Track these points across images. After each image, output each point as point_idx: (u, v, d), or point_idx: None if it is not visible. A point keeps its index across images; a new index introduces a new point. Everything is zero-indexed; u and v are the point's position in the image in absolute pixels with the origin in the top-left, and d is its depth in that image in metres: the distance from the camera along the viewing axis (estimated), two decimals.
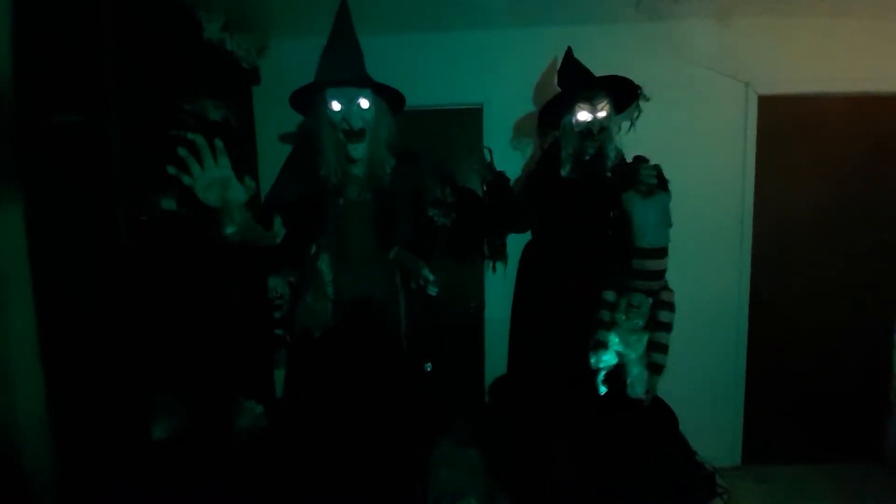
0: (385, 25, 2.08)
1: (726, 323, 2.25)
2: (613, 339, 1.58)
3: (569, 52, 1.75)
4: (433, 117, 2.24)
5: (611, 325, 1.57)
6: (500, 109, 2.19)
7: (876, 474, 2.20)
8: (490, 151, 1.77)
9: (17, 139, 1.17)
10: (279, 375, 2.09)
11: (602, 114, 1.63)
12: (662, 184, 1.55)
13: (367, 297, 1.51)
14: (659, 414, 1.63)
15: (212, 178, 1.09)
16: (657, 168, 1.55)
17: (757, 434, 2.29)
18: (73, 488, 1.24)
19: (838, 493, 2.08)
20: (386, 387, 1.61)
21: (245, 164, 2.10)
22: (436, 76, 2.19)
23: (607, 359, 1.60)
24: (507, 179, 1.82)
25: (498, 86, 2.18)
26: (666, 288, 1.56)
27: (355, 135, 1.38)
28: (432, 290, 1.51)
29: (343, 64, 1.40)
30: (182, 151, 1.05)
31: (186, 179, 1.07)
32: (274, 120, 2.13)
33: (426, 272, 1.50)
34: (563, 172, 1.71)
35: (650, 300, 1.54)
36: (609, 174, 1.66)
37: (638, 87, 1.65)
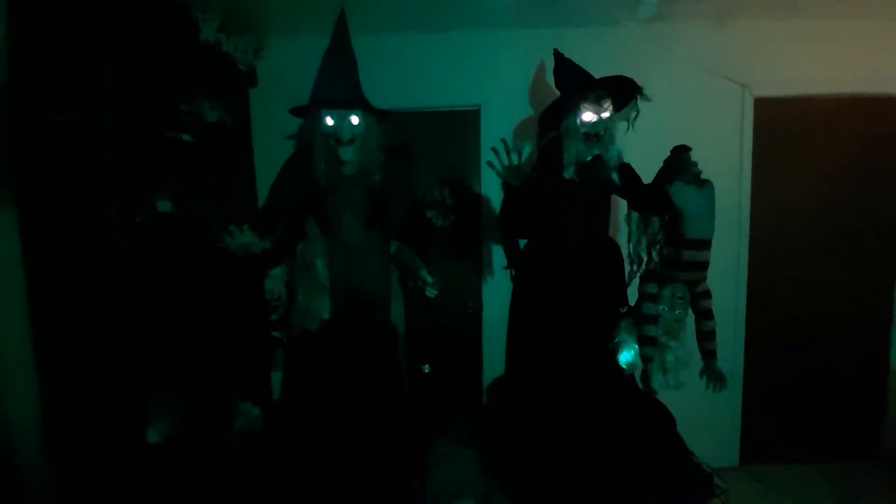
0: (383, 25, 2.08)
1: (723, 323, 2.21)
2: (659, 333, 1.59)
3: (558, 54, 1.74)
4: (431, 119, 2.23)
5: (657, 319, 1.57)
6: (498, 111, 2.19)
7: (872, 473, 2.21)
8: (519, 154, 1.62)
9: (13, 138, 1.16)
10: (276, 377, 2.08)
11: (606, 114, 1.63)
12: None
13: (360, 286, 1.58)
14: (656, 415, 1.63)
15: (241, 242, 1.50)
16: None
17: (755, 434, 2.30)
18: (68, 489, 1.23)
19: (835, 492, 2.09)
20: (382, 386, 1.62)
21: (241, 165, 2.09)
22: (433, 77, 2.19)
23: (633, 355, 1.60)
24: (535, 184, 1.72)
25: (496, 87, 2.18)
26: (704, 278, 1.58)
27: (345, 144, 1.53)
28: (431, 292, 1.53)
29: (338, 82, 1.54)
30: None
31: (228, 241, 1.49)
32: (270, 121, 2.12)
33: (425, 273, 1.52)
34: (567, 174, 1.69)
35: (689, 291, 1.55)
36: (614, 175, 1.67)
37: (639, 88, 1.65)
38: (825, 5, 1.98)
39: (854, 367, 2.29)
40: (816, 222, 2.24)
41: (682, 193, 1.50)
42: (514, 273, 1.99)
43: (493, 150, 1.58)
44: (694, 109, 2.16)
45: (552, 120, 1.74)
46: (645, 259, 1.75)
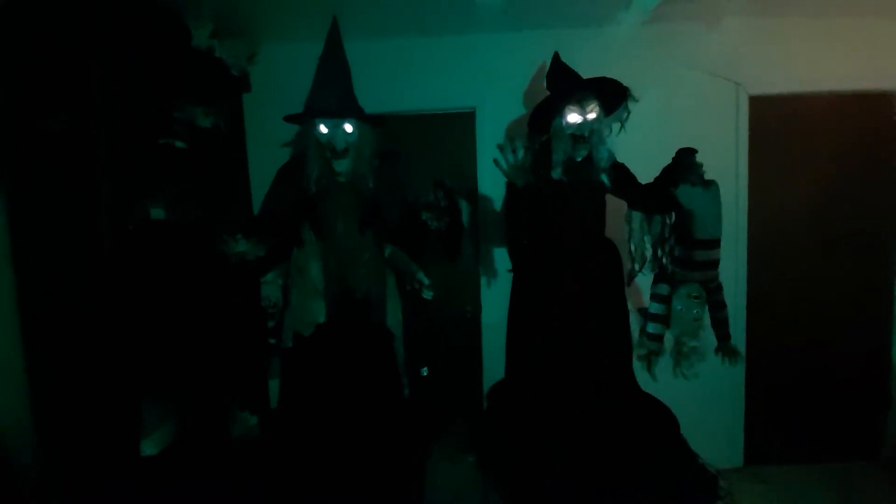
0: (378, 30, 2.07)
1: None
2: (673, 332, 1.64)
3: (556, 57, 1.74)
4: (426, 122, 2.23)
5: (666, 319, 1.62)
6: (493, 113, 2.18)
7: (875, 474, 2.19)
8: (525, 153, 1.56)
9: (3, 144, 1.15)
10: (273, 385, 2.06)
11: (592, 115, 1.62)
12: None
13: (355, 289, 1.58)
14: (659, 417, 1.61)
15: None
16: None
17: (758, 435, 2.28)
18: (59, 493, 1.20)
19: (839, 493, 2.07)
20: (380, 391, 1.61)
21: (235, 171, 2.08)
22: (428, 80, 2.18)
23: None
24: (537, 187, 1.70)
25: (490, 90, 2.17)
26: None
27: (339, 154, 1.53)
28: (427, 295, 1.52)
29: (332, 91, 1.54)
30: None
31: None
32: (265, 127, 2.11)
33: (421, 276, 1.52)
34: (555, 175, 1.70)
35: (704, 289, 1.59)
36: (603, 176, 1.66)
37: (626, 89, 1.65)
38: (819, 3, 1.99)
39: (855, 366, 2.27)
40: (814, 220, 2.23)
41: (689, 195, 1.53)
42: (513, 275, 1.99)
43: (500, 147, 1.54)
44: (689, 108, 2.16)
45: (541, 121, 1.74)
46: (649, 258, 1.75)
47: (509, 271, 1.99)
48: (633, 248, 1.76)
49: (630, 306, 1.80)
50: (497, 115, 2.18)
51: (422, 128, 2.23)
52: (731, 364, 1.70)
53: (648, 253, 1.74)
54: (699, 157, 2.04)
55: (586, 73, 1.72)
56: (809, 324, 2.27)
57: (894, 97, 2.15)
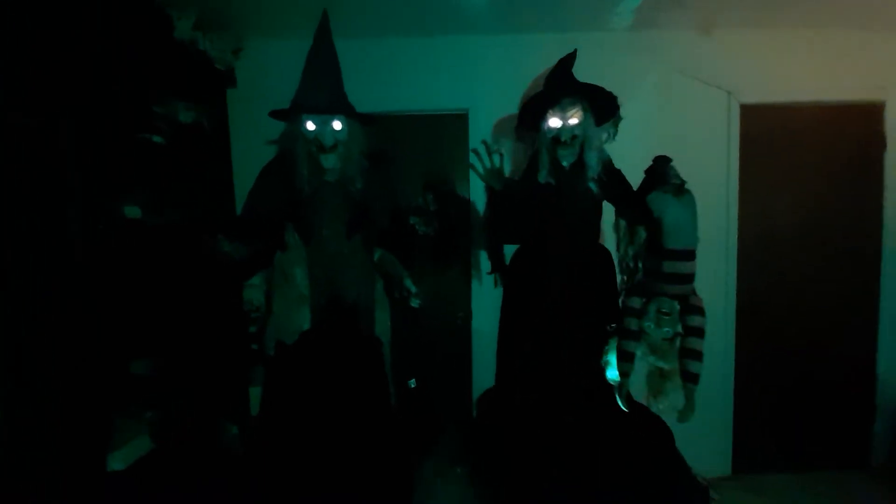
0: (369, 29, 2.03)
1: (713, 331, 2.22)
2: (642, 349, 1.50)
3: (566, 58, 1.70)
4: (417, 123, 2.18)
5: (639, 335, 1.49)
6: (486, 115, 2.15)
7: (862, 481, 2.20)
8: (502, 157, 1.65)
9: None
10: (255, 392, 1.98)
11: (573, 121, 1.59)
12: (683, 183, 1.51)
13: (342, 296, 1.52)
14: (655, 430, 1.58)
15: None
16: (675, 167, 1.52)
17: (747, 444, 2.28)
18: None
19: (828, 500, 2.08)
20: (367, 401, 1.55)
21: (218, 169, 2.00)
22: (420, 81, 2.14)
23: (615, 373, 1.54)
24: (514, 188, 1.72)
25: (483, 91, 2.14)
26: (694, 292, 1.49)
27: (327, 149, 1.47)
28: (415, 303, 1.48)
29: (320, 87, 1.47)
30: None
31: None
32: (250, 124, 2.04)
33: (409, 283, 1.47)
34: (540, 178, 1.67)
35: (678, 306, 1.47)
36: (591, 184, 1.63)
37: (613, 97, 1.62)
38: (809, 15, 2.01)
39: (843, 375, 2.29)
40: (803, 229, 2.25)
41: (660, 203, 1.46)
42: (498, 278, 1.96)
43: (475, 151, 1.56)
44: (680, 116, 2.16)
45: (529, 120, 1.71)
46: (631, 269, 1.71)
47: (489, 273, 1.96)
48: (619, 258, 1.74)
49: None
50: (490, 117, 2.15)
51: (413, 129, 2.18)
52: (680, 420, 1.50)
53: (632, 264, 1.69)
54: (688, 162, 2.04)
55: (578, 77, 1.70)
56: (798, 332, 2.28)
57: (882, 108, 2.18)
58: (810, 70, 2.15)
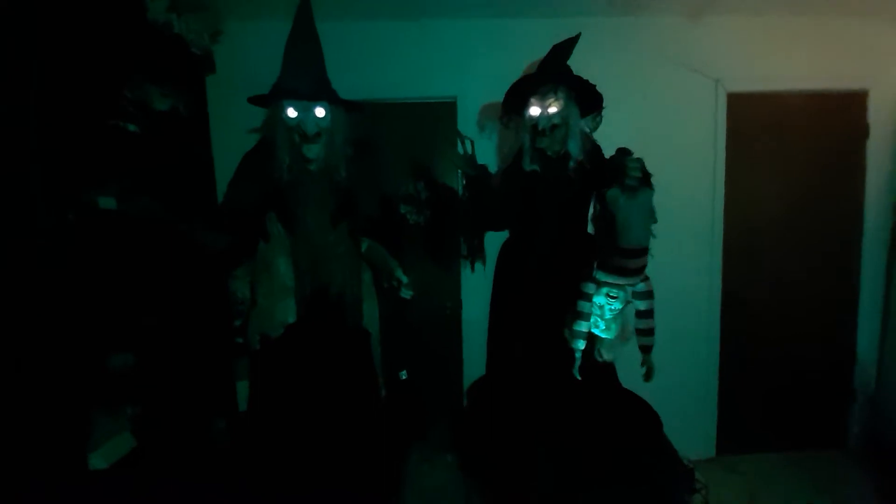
0: (353, 12, 1.96)
1: (698, 318, 2.28)
2: (592, 325, 1.58)
3: (561, 44, 1.67)
4: (404, 111, 2.13)
5: (589, 317, 1.56)
6: (475, 103, 2.11)
7: (841, 460, 2.28)
8: (472, 143, 1.67)
9: None
10: (241, 387, 1.94)
11: (552, 110, 1.58)
12: (646, 178, 1.51)
13: (328, 287, 1.48)
14: (643, 416, 1.60)
15: None
16: (640, 161, 1.51)
17: (730, 426, 2.33)
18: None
19: (808, 480, 2.15)
20: (356, 394, 1.54)
21: (197, 158, 1.93)
22: (407, 67, 2.09)
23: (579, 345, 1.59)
24: (490, 174, 1.75)
25: (472, 78, 2.10)
26: (645, 278, 1.56)
27: (310, 139, 1.42)
28: (406, 294, 1.45)
29: (302, 72, 1.41)
30: None
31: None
32: (230, 111, 1.96)
33: (399, 273, 1.44)
34: (524, 165, 1.67)
35: (628, 290, 1.53)
36: (570, 172, 1.63)
37: (598, 92, 1.61)
38: (796, 3, 2.01)
39: (824, 359, 2.35)
40: (787, 217, 2.28)
41: (613, 201, 1.46)
42: (477, 264, 1.98)
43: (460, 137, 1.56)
44: (667, 104, 2.16)
45: (514, 109, 1.69)
46: None
47: (464, 257, 1.95)
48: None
49: None
50: (478, 105, 2.11)
51: (400, 117, 2.13)
52: (647, 380, 1.62)
53: None
54: (675, 151, 2.06)
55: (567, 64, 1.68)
56: (780, 318, 2.32)
57: (865, 96, 2.20)
58: (796, 58, 2.15)
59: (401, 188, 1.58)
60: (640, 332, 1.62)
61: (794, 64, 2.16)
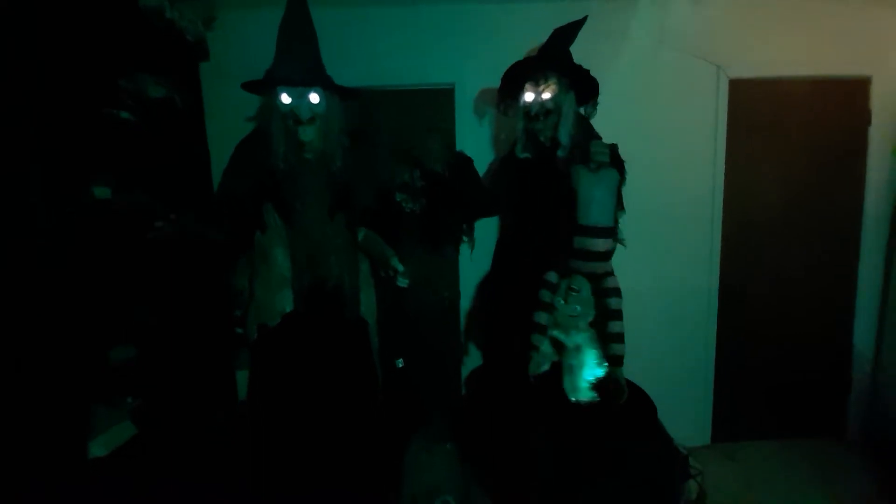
0: None
1: (696, 306, 2.28)
2: (550, 322, 1.51)
3: (562, 28, 1.63)
4: (401, 98, 2.11)
5: (550, 307, 1.50)
6: (473, 90, 2.08)
7: (837, 449, 2.30)
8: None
9: None
10: (241, 376, 1.95)
11: (546, 95, 1.56)
12: (617, 163, 1.50)
13: (325, 277, 1.48)
14: (638, 404, 1.61)
15: None
16: (613, 147, 1.50)
17: (726, 413, 2.35)
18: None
19: (805, 468, 2.16)
20: (354, 383, 1.54)
21: (193, 147, 1.91)
22: (403, 53, 2.06)
23: (544, 347, 1.53)
24: (469, 160, 1.74)
25: (470, 64, 2.06)
26: (610, 274, 1.50)
27: (305, 122, 1.41)
28: (402, 282, 1.45)
29: (295, 57, 1.40)
30: None
31: None
32: (225, 99, 1.94)
33: (395, 262, 1.44)
34: (517, 152, 1.66)
35: (590, 285, 1.47)
36: (559, 161, 1.62)
37: (593, 79, 1.59)
38: None
39: (821, 348, 2.35)
40: (787, 205, 2.26)
41: (575, 177, 1.44)
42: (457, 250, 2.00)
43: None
44: (668, 90, 2.13)
45: (510, 95, 1.68)
46: None
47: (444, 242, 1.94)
48: None
49: None
50: (477, 91, 2.08)
51: (397, 104, 2.11)
52: (616, 401, 1.49)
53: None
54: (674, 138, 2.02)
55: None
56: (778, 306, 2.32)
57: (868, 83, 2.17)
58: (799, 44, 2.12)
59: (396, 176, 1.56)
60: (611, 338, 1.48)
61: (796, 50, 2.12)
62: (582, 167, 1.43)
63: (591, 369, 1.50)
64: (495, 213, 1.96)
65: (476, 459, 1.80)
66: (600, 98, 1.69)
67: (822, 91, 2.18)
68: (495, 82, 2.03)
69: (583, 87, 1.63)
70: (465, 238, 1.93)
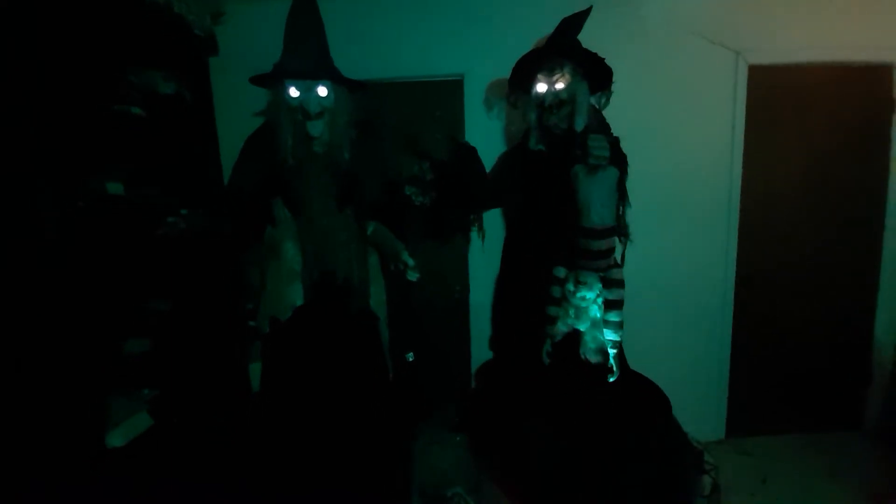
0: None
1: (711, 297, 2.23)
2: (563, 313, 1.55)
3: (571, 17, 1.60)
4: (409, 90, 2.09)
5: (560, 301, 1.54)
6: (482, 81, 2.05)
7: (856, 442, 2.25)
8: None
9: None
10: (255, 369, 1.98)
11: (559, 85, 1.53)
12: (618, 158, 1.47)
13: (334, 270, 1.48)
14: (651, 398, 1.59)
15: None
16: (614, 141, 1.47)
17: (741, 407, 2.31)
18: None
19: (821, 462, 2.12)
20: (364, 376, 1.55)
21: (203, 142, 1.92)
22: (412, 45, 2.03)
23: (555, 328, 1.58)
24: (473, 149, 1.73)
25: (480, 55, 2.03)
26: (615, 265, 1.52)
27: (313, 116, 1.40)
28: (412, 276, 1.45)
29: (303, 50, 1.38)
30: None
31: None
32: (235, 94, 1.94)
33: (405, 256, 1.44)
34: (530, 144, 1.64)
35: (597, 277, 1.49)
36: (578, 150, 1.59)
37: (607, 67, 1.55)
38: None
39: (840, 339, 2.29)
40: (806, 194, 2.20)
41: (576, 178, 1.43)
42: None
43: None
44: (685, 77, 2.07)
45: (521, 86, 1.64)
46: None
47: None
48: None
49: None
50: (486, 83, 2.05)
51: (405, 96, 2.09)
52: (610, 377, 1.53)
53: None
54: (692, 125, 1.97)
55: (578, 36, 1.61)
56: (796, 296, 2.26)
57: (891, 70, 2.09)
58: (820, 29, 2.04)
59: (405, 169, 1.55)
60: (609, 326, 1.52)
61: (817, 35, 2.04)
62: (581, 167, 1.43)
63: (596, 334, 1.55)
64: (495, 205, 1.94)
65: (486, 451, 1.80)
66: (613, 87, 1.65)
67: (845, 77, 2.10)
68: (505, 73, 1.99)
69: (595, 76, 1.59)
70: (474, 229, 1.91)
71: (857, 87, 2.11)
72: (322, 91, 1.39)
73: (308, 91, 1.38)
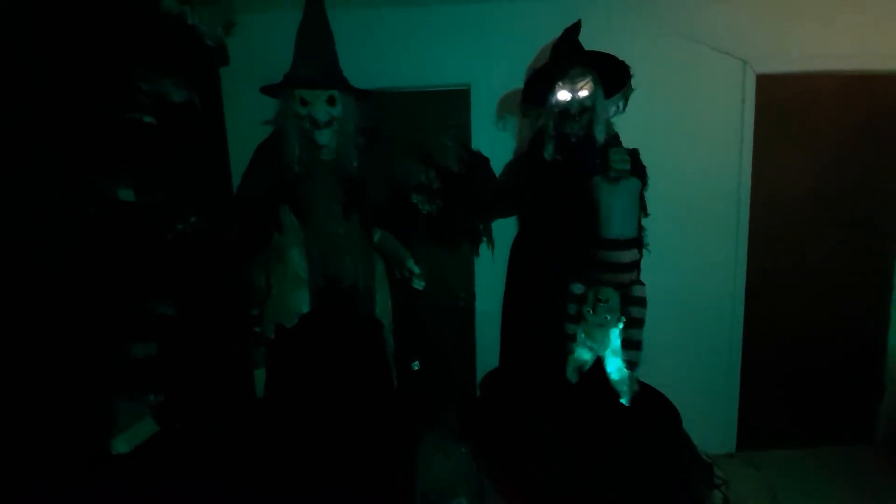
0: None
1: (721, 308, 2.21)
2: (580, 334, 1.52)
3: (570, 28, 1.62)
4: (416, 100, 2.10)
5: (578, 319, 1.51)
6: (489, 90, 2.06)
7: (867, 456, 2.20)
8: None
9: None
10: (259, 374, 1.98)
11: (583, 93, 1.53)
12: (638, 169, 1.46)
13: (340, 278, 1.49)
14: (661, 410, 1.57)
15: None
16: (633, 152, 1.47)
17: (751, 420, 2.27)
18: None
19: (832, 476, 2.08)
20: (368, 384, 1.55)
21: (213, 150, 1.94)
22: (418, 54, 2.05)
23: (580, 352, 1.54)
24: (486, 159, 1.72)
25: (486, 65, 2.04)
26: (637, 282, 1.48)
27: (321, 125, 1.42)
28: (418, 284, 1.45)
29: (312, 60, 1.41)
30: None
31: None
32: (245, 103, 1.96)
33: (411, 264, 1.44)
34: (546, 155, 1.63)
35: (618, 294, 1.45)
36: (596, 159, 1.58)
37: (626, 66, 1.55)
38: None
39: (852, 351, 2.26)
40: (816, 204, 2.18)
41: (597, 189, 1.42)
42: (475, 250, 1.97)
43: None
44: (694, 86, 2.07)
45: (535, 93, 1.64)
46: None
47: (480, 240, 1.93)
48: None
49: None
50: (494, 92, 2.06)
51: (412, 106, 2.10)
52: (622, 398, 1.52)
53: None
54: (701, 135, 1.96)
55: (587, 46, 1.62)
56: (807, 307, 2.23)
57: None
58: (829, 39, 2.03)
59: (412, 177, 1.56)
60: (628, 345, 1.48)
61: (826, 44, 2.04)
62: (601, 180, 1.42)
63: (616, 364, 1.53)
64: (512, 213, 1.94)
65: (490, 460, 1.78)
66: (631, 87, 1.65)
67: (854, 87, 2.09)
68: (512, 82, 2.02)
69: (608, 82, 1.59)
70: (483, 238, 1.91)
71: (864, 97, 2.10)
72: (330, 100, 1.41)
73: (316, 99, 1.39)
